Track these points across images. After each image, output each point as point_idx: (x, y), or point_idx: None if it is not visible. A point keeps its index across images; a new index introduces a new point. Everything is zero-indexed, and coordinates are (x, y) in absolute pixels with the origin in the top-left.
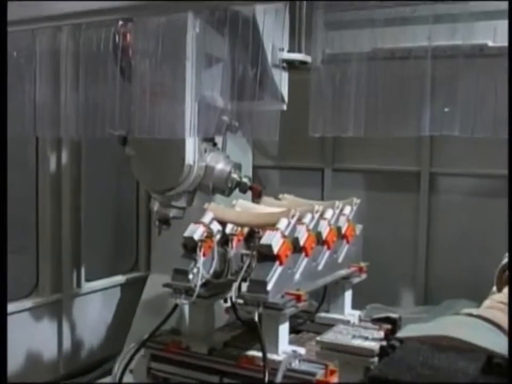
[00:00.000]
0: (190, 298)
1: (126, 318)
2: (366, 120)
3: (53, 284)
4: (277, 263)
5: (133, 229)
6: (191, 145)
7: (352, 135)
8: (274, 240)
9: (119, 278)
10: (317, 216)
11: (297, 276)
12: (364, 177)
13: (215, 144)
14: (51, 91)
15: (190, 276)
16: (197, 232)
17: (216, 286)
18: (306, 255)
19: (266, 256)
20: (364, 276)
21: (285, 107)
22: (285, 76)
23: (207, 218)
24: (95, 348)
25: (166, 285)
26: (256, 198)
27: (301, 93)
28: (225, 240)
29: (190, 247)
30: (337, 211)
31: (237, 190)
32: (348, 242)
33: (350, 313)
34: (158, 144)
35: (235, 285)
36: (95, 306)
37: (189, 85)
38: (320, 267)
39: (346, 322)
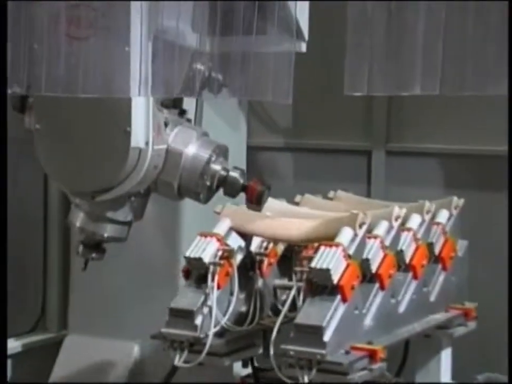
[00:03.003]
0: (197, 357)
1: None
2: (444, 70)
3: None
4: (338, 298)
5: (38, 259)
6: (142, 114)
7: (421, 94)
8: (333, 261)
9: (12, 345)
10: (396, 225)
11: (368, 320)
12: (440, 165)
13: (183, 113)
14: None
15: (198, 321)
16: (207, 249)
17: (237, 338)
18: (382, 287)
19: (321, 287)
20: (472, 324)
21: (304, 47)
22: None
23: (222, 227)
24: None
25: (155, 336)
26: (254, 204)
27: (332, 23)
28: (249, 263)
29: (197, 275)
30: (427, 217)
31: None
32: (444, 268)
33: None
34: (83, 112)
35: (274, 333)
36: None
37: (136, 11)
38: (402, 307)
39: None
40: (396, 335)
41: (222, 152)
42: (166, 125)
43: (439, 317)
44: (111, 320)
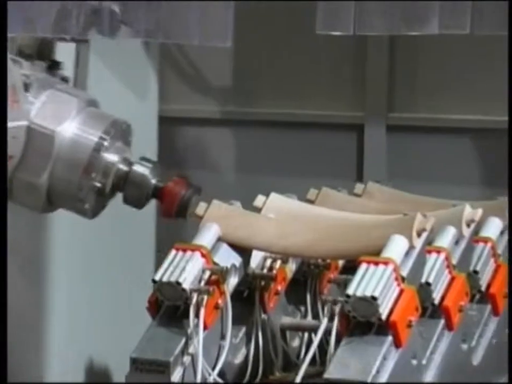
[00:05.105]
0: None
1: None
2: None
3: None
4: (389, 340)
5: None
6: None
7: (440, 34)
8: (381, 287)
9: None
10: (469, 233)
11: (429, 375)
12: (472, 147)
13: (55, 68)
14: None
15: (175, 376)
16: (188, 270)
17: None
18: (450, 326)
19: (363, 325)
20: None
21: None
22: None
23: (207, 237)
24: None
25: None
26: (174, 217)
27: None
28: (247, 291)
29: (172, 308)
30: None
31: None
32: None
33: None
34: None
35: None
36: None
37: None
38: (477, 357)
39: None
40: None
41: (120, 132)
42: (26, 87)
43: None
44: None
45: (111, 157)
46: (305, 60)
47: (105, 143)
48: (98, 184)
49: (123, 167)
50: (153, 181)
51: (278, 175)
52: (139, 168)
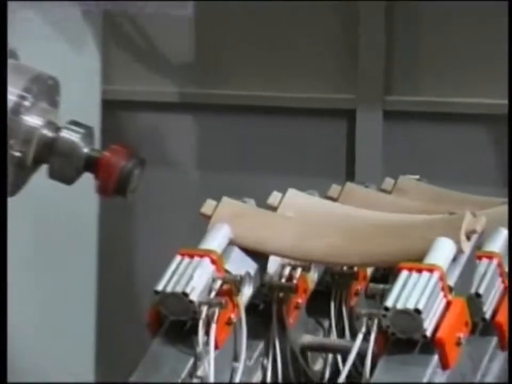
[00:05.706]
0: None
1: None
2: None
3: None
4: (435, 360)
5: None
6: None
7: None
8: (425, 298)
9: None
10: None
11: None
12: (487, 135)
13: None
14: None
15: None
16: (196, 279)
17: None
18: (503, 343)
19: (405, 342)
20: None
21: None
22: None
23: (217, 240)
24: None
25: None
26: (110, 193)
27: None
28: (263, 304)
29: (177, 323)
30: None
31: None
32: None
33: None
34: None
35: None
36: None
37: None
38: None
39: None
40: None
41: (45, 90)
42: None
43: None
44: None
45: (33, 120)
46: (285, 30)
47: (26, 103)
48: (17, 154)
49: (48, 133)
50: (86, 150)
51: (251, 171)
52: (67, 134)
